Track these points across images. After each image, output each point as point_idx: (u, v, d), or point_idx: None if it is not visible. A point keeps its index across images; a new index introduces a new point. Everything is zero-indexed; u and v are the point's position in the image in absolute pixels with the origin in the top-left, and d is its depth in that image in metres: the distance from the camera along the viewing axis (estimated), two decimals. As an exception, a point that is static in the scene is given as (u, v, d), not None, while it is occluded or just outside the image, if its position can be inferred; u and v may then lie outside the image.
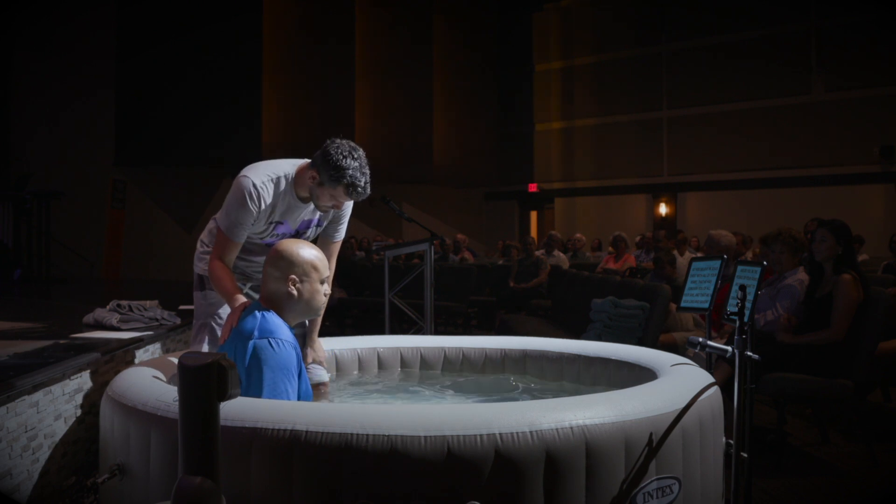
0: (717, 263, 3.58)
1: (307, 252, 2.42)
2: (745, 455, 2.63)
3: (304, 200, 2.76)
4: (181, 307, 4.39)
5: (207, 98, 13.28)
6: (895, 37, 14.39)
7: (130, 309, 3.77)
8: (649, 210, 17.66)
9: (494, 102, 19.17)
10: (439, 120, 17.40)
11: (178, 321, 3.86)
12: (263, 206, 2.67)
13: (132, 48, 13.46)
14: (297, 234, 2.83)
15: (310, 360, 2.87)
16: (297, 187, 2.71)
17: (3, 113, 12.78)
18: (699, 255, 7.39)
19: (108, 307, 3.77)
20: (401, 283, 5.55)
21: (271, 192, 2.67)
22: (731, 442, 2.53)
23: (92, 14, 13.38)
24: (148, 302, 3.94)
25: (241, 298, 2.55)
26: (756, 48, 16.04)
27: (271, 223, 2.76)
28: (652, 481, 2.03)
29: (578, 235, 12.68)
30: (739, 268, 3.40)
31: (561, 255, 10.34)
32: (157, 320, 3.79)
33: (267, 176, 2.68)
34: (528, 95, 19.55)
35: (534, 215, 20.17)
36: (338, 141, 2.62)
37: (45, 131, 12.98)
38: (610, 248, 10.21)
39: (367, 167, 2.63)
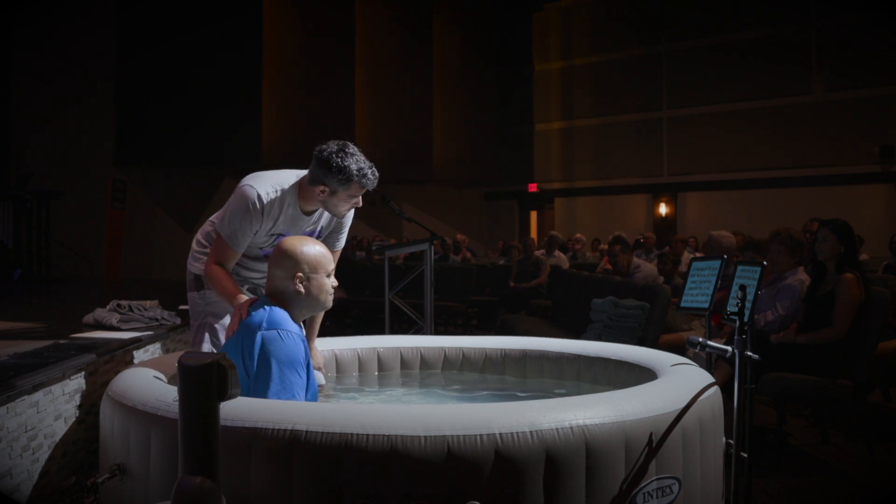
0: (716, 263, 3.59)
1: (311, 248, 2.42)
2: (745, 455, 2.63)
3: (307, 213, 2.75)
4: (181, 307, 4.38)
5: (207, 98, 13.28)
6: (895, 37, 14.38)
7: (130, 309, 3.77)
8: (649, 210, 17.65)
9: (494, 102, 19.15)
10: (439, 120, 17.40)
11: (178, 321, 3.86)
12: (266, 218, 2.66)
13: (132, 48, 13.45)
14: None
15: None
16: (301, 200, 2.69)
17: (3, 113, 12.74)
18: (699, 255, 7.39)
19: (108, 307, 3.77)
20: (401, 283, 5.54)
21: (275, 204, 2.65)
22: (731, 442, 2.53)
23: (92, 14, 13.36)
24: (148, 302, 3.94)
25: (244, 297, 2.56)
26: (756, 48, 16.03)
27: (272, 235, 2.75)
28: (652, 481, 2.03)
29: (579, 236, 12.66)
30: (739, 268, 3.41)
31: (561, 255, 10.34)
32: (157, 320, 3.79)
33: (272, 187, 2.66)
34: (528, 95, 19.54)
35: (534, 215, 20.16)
36: (326, 147, 2.60)
37: (45, 131, 12.96)
38: (604, 247, 10.20)
39: (362, 153, 2.62)
